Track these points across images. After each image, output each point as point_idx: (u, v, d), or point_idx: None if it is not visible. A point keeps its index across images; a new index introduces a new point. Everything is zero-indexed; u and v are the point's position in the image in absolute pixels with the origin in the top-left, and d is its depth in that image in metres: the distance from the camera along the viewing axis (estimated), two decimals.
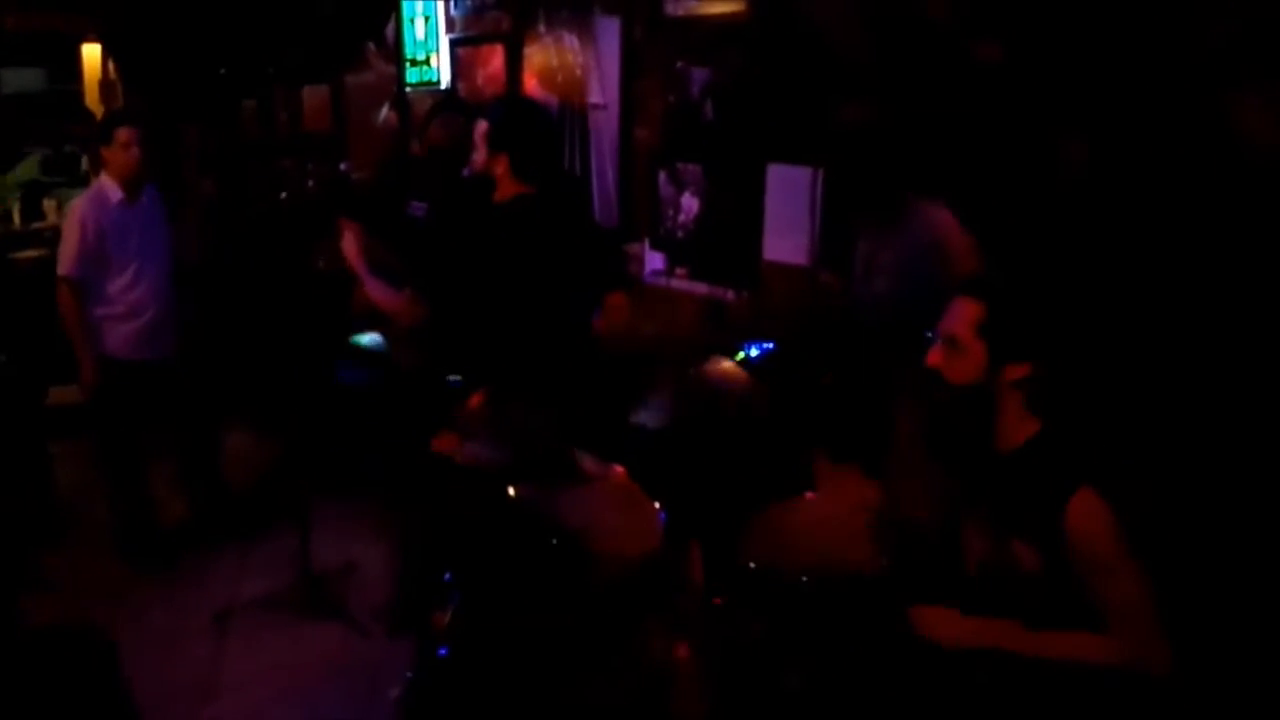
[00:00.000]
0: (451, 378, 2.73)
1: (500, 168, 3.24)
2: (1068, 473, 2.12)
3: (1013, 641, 2.11)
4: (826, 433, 3.36)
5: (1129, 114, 2.00)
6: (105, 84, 7.74)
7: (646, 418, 2.75)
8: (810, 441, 3.39)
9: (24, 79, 10.18)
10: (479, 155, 3.29)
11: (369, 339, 2.82)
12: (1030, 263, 2.40)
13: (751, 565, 2.55)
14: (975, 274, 2.91)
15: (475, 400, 2.83)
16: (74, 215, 4.57)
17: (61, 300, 4.54)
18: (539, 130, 3.38)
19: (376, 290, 3.45)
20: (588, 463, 2.78)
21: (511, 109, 3.96)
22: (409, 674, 2.84)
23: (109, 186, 4.60)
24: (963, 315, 2.21)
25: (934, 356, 2.25)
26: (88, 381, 4.59)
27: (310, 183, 6.73)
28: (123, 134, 4.58)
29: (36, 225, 7.54)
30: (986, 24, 2.05)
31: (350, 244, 3.61)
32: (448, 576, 2.74)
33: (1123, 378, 2.54)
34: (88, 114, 7.66)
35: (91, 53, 7.81)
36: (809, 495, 2.81)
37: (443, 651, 2.50)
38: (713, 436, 2.87)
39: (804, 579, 2.53)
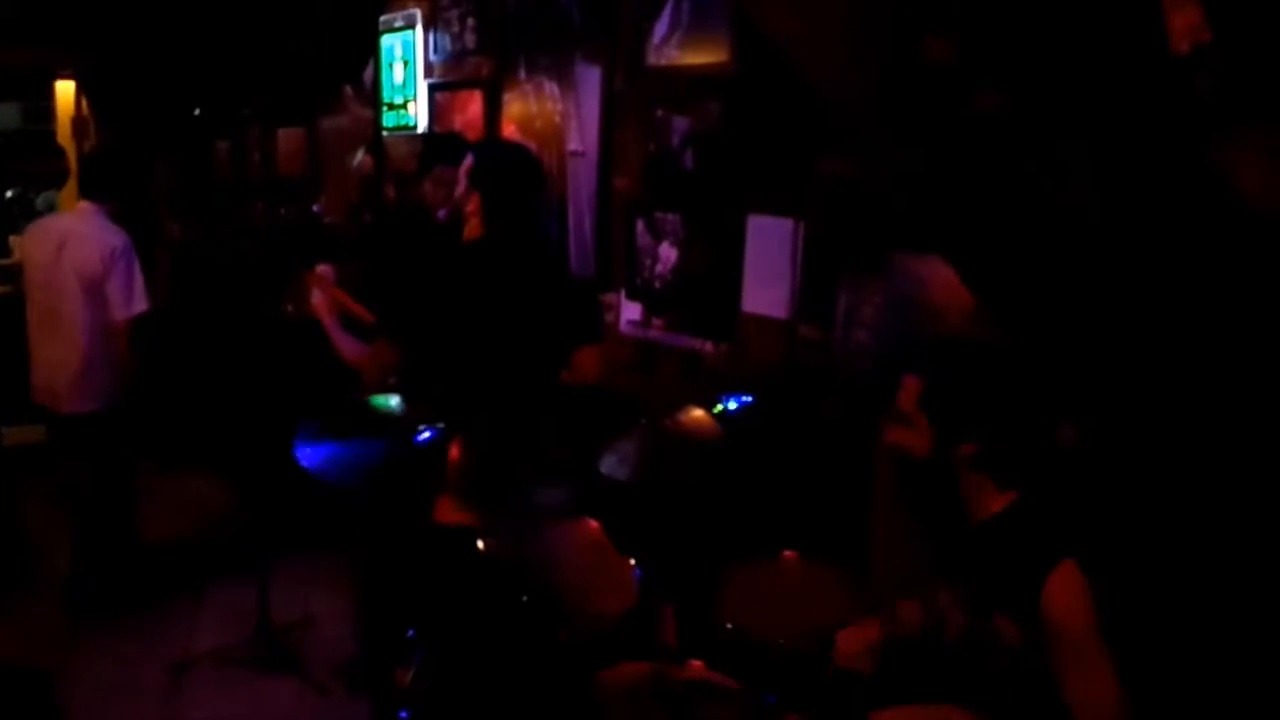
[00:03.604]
0: (420, 434, 2.62)
1: (472, 205, 3.19)
2: (1047, 545, 2.05)
3: None
4: (804, 488, 3.29)
5: (1131, 168, 1.95)
6: (78, 121, 7.69)
7: (614, 468, 2.65)
8: (789, 497, 3.31)
9: None
10: (460, 189, 3.23)
11: (393, 401, 2.71)
12: (1025, 324, 2.34)
13: (728, 626, 2.46)
14: (958, 334, 2.86)
15: (453, 454, 2.72)
16: (127, 249, 4.38)
17: (137, 337, 4.41)
18: (516, 174, 3.31)
19: (343, 343, 3.35)
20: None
21: (494, 150, 3.91)
22: None
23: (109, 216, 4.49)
24: (909, 390, 2.17)
25: (891, 434, 2.21)
26: None
27: (282, 226, 6.65)
28: None
29: (1, 262, 7.44)
30: (985, 72, 2.02)
31: (320, 297, 3.48)
32: (411, 633, 2.63)
33: (1109, 452, 2.46)
34: (60, 150, 7.59)
35: (65, 89, 7.76)
36: (787, 554, 2.73)
37: (404, 715, 2.39)
38: (682, 489, 2.78)
39: (781, 641, 2.45)
